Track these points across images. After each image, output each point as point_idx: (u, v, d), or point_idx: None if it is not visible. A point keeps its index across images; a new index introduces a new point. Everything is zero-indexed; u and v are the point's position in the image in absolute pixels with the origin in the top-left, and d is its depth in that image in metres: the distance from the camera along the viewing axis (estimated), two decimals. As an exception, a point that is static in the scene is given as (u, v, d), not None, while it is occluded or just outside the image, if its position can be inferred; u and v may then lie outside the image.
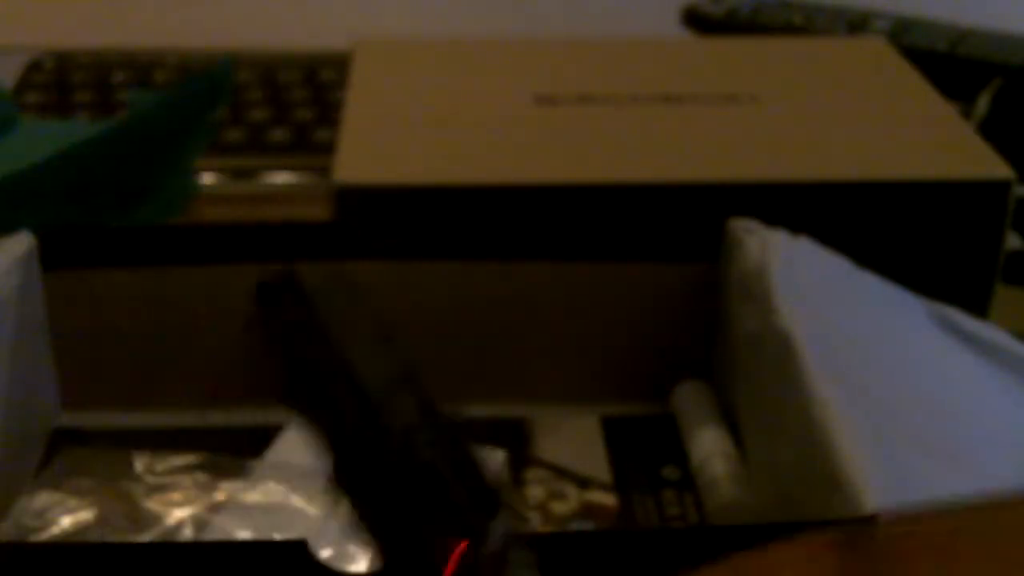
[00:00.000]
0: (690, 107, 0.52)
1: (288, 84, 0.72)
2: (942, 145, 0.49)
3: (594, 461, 0.45)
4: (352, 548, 0.39)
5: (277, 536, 0.39)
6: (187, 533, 0.40)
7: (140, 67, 0.74)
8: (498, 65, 0.56)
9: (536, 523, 0.42)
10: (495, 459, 0.43)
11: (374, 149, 0.49)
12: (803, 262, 0.42)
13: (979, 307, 0.47)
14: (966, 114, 0.61)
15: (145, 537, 0.40)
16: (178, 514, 0.40)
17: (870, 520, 0.30)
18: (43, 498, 0.41)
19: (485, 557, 0.25)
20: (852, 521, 0.31)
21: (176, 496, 0.41)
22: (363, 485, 0.28)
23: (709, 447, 0.43)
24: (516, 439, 0.45)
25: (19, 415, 0.42)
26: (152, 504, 0.41)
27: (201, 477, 0.42)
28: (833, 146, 0.49)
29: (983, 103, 0.62)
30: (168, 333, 0.46)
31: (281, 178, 0.65)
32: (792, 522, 0.35)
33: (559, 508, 0.42)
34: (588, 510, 0.42)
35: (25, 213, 0.49)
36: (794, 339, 0.38)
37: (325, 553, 0.38)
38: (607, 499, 0.43)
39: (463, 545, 0.25)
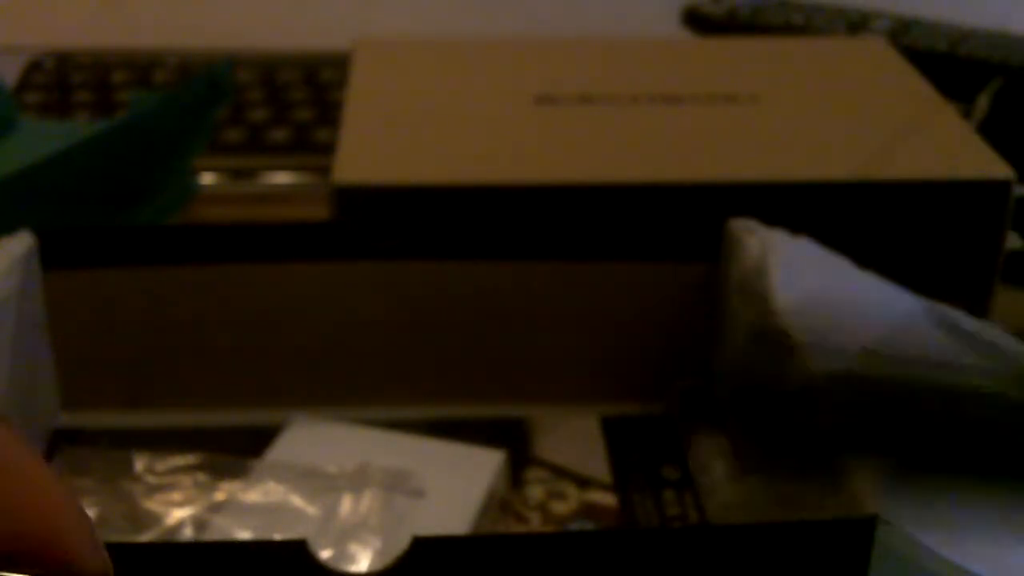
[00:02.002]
0: (690, 107, 0.52)
1: (288, 84, 0.72)
2: (942, 145, 0.49)
3: (594, 461, 0.45)
4: (352, 548, 0.39)
5: (277, 536, 0.39)
6: (187, 533, 0.40)
7: (140, 67, 0.75)
8: (498, 65, 0.56)
9: (536, 523, 0.42)
10: (495, 459, 0.43)
11: (374, 149, 0.49)
12: (803, 262, 0.42)
13: (979, 307, 0.47)
14: (966, 114, 0.61)
15: (145, 537, 0.40)
16: (178, 514, 0.40)
17: (870, 520, 0.30)
18: (43, 498, 0.41)
19: None
20: (852, 521, 0.31)
21: (176, 496, 0.41)
22: None
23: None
24: (516, 439, 0.45)
25: (19, 415, 0.42)
26: (152, 504, 0.41)
27: (201, 477, 0.42)
28: (833, 146, 0.49)
29: (983, 103, 0.62)
30: (168, 333, 0.46)
31: (281, 178, 0.65)
32: (792, 522, 0.35)
33: (559, 508, 0.42)
34: (588, 510, 0.42)
35: (25, 213, 0.49)
36: (794, 339, 0.38)
37: (325, 553, 0.38)
38: (607, 499, 0.43)
39: None
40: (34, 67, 0.74)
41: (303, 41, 0.78)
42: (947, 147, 0.49)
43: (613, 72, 0.55)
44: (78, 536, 0.20)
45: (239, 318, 0.46)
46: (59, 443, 0.44)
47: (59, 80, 0.73)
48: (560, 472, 0.44)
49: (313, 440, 0.44)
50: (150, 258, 0.45)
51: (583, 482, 0.44)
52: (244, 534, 0.39)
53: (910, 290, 0.43)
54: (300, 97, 0.71)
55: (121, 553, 0.31)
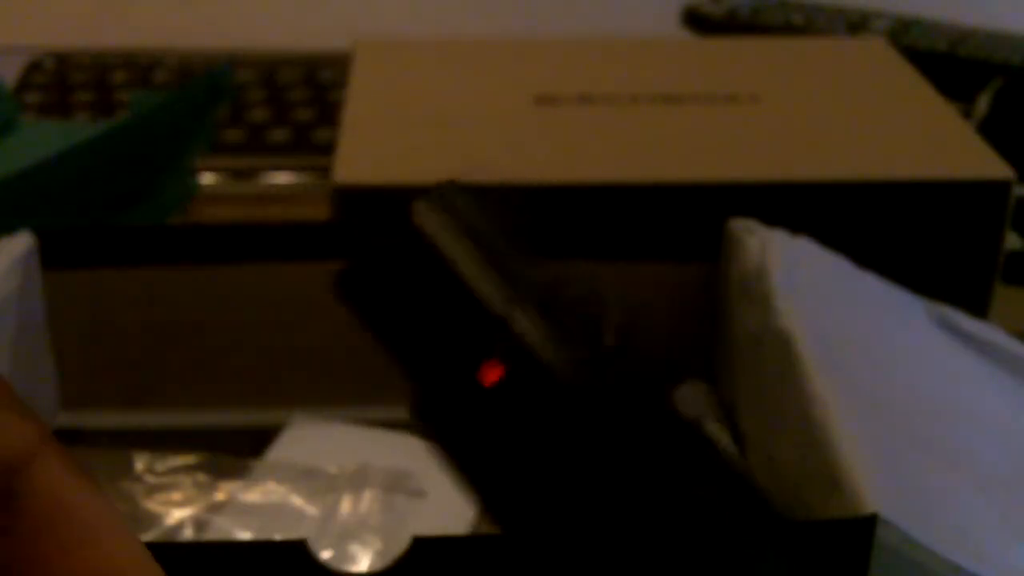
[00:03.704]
0: (690, 107, 0.52)
1: (288, 84, 0.72)
2: (942, 145, 0.49)
3: (594, 461, 0.45)
4: (352, 548, 0.39)
5: (277, 536, 0.39)
6: (187, 533, 0.40)
7: (140, 67, 0.75)
8: (498, 65, 0.56)
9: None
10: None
11: (374, 149, 0.49)
12: (803, 262, 0.42)
13: (979, 307, 0.47)
14: (966, 114, 0.61)
15: (145, 537, 0.40)
16: (178, 514, 0.40)
17: (870, 520, 0.30)
18: (43, 498, 0.41)
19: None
20: (852, 521, 0.31)
21: (176, 496, 0.41)
22: None
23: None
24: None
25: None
26: (152, 504, 0.41)
27: (201, 477, 0.42)
28: (833, 146, 0.49)
29: (983, 103, 0.62)
30: (168, 333, 0.46)
31: (281, 178, 0.65)
32: (792, 522, 0.35)
33: (559, 508, 0.42)
34: (588, 510, 0.42)
35: (25, 213, 0.49)
36: (794, 339, 0.38)
37: (325, 553, 0.38)
38: (607, 499, 0.43)
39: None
40: (34, 67, 0.74)
41: (303, 41, 0.78)
42: (947, 147, 0.49)
43: (613, 72, 0.55)
44: None
45: (239, 318, 0.45)
46: (59, 443, 0.44)
47: (59, 80, 0.73)
48: (560, 472, 0.44)
49: (313, 440, 0.44)
50: (150, 258, 0.45)
51: (583, 482, 0.44)
52: (244, 534, 0.39)
53: (910, 290, 0.43)
54: (300, 97, 0.71)
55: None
